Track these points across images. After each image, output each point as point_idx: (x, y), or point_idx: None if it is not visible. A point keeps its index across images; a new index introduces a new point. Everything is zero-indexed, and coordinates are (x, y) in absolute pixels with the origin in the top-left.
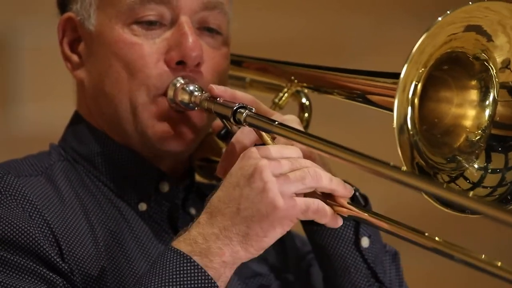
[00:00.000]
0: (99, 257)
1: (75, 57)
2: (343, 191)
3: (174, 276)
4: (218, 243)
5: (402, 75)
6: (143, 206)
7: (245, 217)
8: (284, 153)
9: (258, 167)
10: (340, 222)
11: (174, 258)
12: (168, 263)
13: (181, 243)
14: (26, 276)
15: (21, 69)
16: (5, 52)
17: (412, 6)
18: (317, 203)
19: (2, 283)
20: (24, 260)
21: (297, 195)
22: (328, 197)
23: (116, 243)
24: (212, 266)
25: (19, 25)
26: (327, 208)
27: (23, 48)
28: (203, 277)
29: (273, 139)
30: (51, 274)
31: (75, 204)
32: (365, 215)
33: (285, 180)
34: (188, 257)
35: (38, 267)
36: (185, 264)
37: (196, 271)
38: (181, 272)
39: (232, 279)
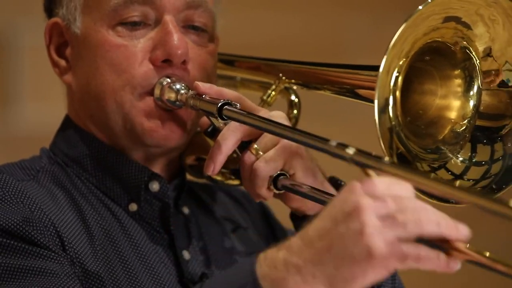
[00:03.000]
0: (95, 256)
1: (62, 62)
2: (454, 234)
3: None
4: (297, 278)
5: (383, 62)
6: (133, 207)
7: (336, 256)
8: (392, 190)
9: (360, 206)
10: (455, 266)
11: (247, 272)
12: (239, 273)
13: (263, 263)
14: (29, 258)
15: (21, 69)
16: (5, 52)
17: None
18: (418, 250)
19: (7, 266)
20: (28, 246)
21: (399, 240)
22: (442, 241)
23: (110, 242)
24: None
25: (19, 25)
26: (434, 254)
27: (23, 48)
28: None
29: (259, 135)
30: (54, 254)
31: (69, 205)
32: (484, 260)
33: (386, 225)
34: (256, 281)
35: (40, 249)
36: (250, 285)
37: None
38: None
39: None
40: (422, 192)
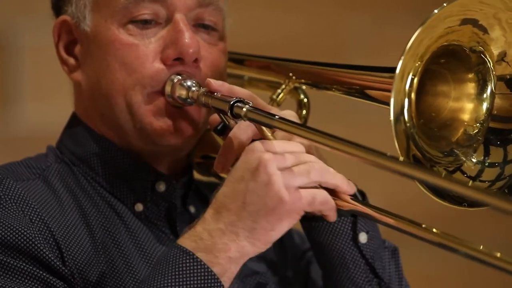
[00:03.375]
0: (98, 259)
1: (71, 60)
2: (346, 187)
3: (177, 274)
4: (223, 239)
5: (400, 65)
6: (139, 207)
7: (251, 211)
8: (288, 148)
9: (263, 160)
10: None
11: (178, 255)
12: (171, 260)
13: (186, 240)
14: (27, 280)
15: (21, 69)
16: (5, 52)
17: (411, 5)
18: (323, 194)
19: (3, 287)
20: (24, 264)
21: (302, 188)
22: (331, 193)
23: (114, 244)
24: (218, 262)
25: (19, 25)
26: (332, 200)
27: (23, 48)
28: (206, 274)
29: (273, 133)
30: (51, 278)
31: (73, 206)
32: (367, 210)
33: (290, 174)
34: (191, 254)
35: (38, 270)
36: (189, 261)
37: (199, 267)
38: (185, 269)
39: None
40: (442, 196)
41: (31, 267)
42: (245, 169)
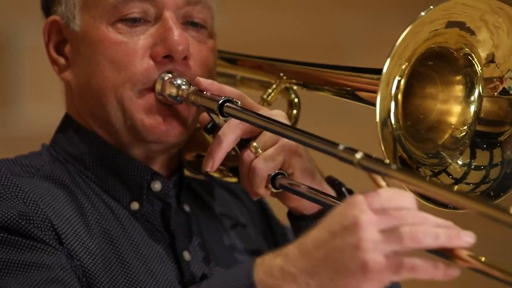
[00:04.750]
0: (93, 254)
1: (61, 60)
2: (455, 243)
3: None
4: (292, 286)
5: (384, 70)
6: (135, 205)
7: (331, 268)
8: (394, 202)
9: (358, 221)
10: (454, 273)
11: (244, 277)
12: (236, 278)
13: (260, 268)
14: (27, 251)
15: (21, 69)
16: (5, 52)
17: (407, 5)
18: (411, 261)
19: (1, 260)
20: (21, 239)
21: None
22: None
23: (109, 241)
24: None
25: (19, 25)
26: (431, 264)
27: (23, 48)
28: None
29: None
30: (51, 248)
31: (69, 203)
32: (485, 268)
33: (382, 240)
34: (252, 285)
35: (37, 243)
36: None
37: None
38: None
39: None
40: (427, 199)
41: (28, 241)
42: (338, 222)
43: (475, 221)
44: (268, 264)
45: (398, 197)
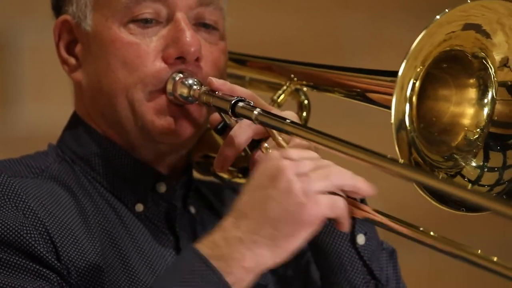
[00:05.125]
0: (95, 258)
1: (72, 60)
2: (366, 189)
3: (188, 278)
4: (241, 248)
5: (400, 73)
6: (140, 207)
7: (272, 218)
8: (304, 155)
9: (281, 167)
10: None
11: (192, 259)
12: (185, 264)
13: (202, 246)
14: (20, 273)
15: (21, 69)
16: (5, 52)
17: (410, 5)
18: (341, 200)
19: None
20: (18, 258)
21: (323, 193)
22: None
23: (112, 244)
24: (232, 271)
25: (19, 25)
26: (348, 207)
27: (23, 48)
28: (219, 282)
29: (268, 137)
30: (45, 271)
31: (71, 205)
32: (383, 219)
33: (310, 179)
34: (206, 260)
35: (32, 264)
36: (202, 267)
37: (212, 275)
38: (197, 274)
39: None
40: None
41: (24, 261)
42: (264, 177)
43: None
44: (208, 241)
45: (306, 152)
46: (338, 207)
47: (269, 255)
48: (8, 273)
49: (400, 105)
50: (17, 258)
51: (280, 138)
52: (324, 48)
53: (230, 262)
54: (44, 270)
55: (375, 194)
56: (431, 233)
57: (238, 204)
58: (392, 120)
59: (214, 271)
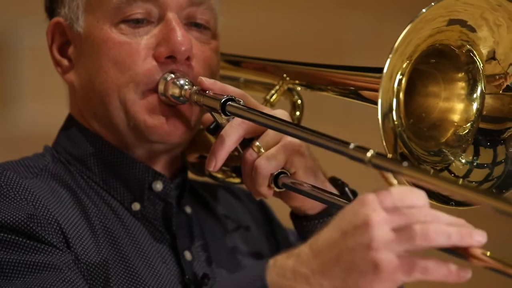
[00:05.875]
0: (97, 254)
1: (65, 61)
2: (467, 242)
3: None
4: (304, 287)
5: (387, 64)
6: (136, 206)
7: (343, 269)
8: (406, 201)
9: (370, 221)
10: (466, 275)
11: (257, 279)
12: (249, 279)
13: (273, 269)
14: (35, 253)
15: (21, 69)
16: (5, 52)
17: (410, 5)
18: (425, 264)
19: (10, 261)
20: (29, 241)
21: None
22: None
23: (112, 241)
24: None
25: (19, 25)
26: (443, 266)
27: (23, 48)
28: None
29: (262, 132)
30: (58, 251)
31: (73, 203)
32: (501, 267)
33: (394, 239)
34: (266, 286)
35: (45, 246)
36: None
37: None
38: None
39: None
40: (438, 197)
41: (36, 243)
42: (349, 222)
43: (485, 219)
44: (280, 265)
45: (410, 195)
46: (419, 270)
47: None
48: (18, 252)
49: (387, 96)
50: (28, 241)
51: (391, 179)
52: (324, 48)
53: None
54: (57, 251)
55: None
56: None
57: (320, 237)
58: (379, 110)
59: None
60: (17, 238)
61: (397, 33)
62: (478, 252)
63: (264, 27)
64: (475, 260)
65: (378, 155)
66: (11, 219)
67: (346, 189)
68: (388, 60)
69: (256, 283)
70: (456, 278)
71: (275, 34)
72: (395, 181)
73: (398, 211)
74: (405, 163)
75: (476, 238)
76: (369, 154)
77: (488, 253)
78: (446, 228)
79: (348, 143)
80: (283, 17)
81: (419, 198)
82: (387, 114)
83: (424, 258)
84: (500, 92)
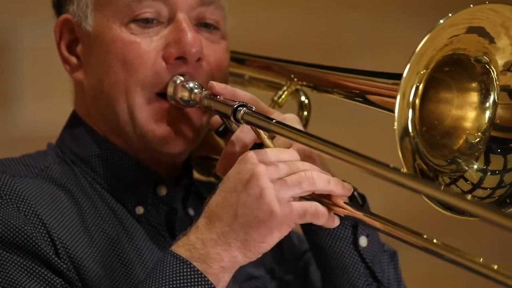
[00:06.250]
0: (94, 260)
1: (73, 59)
2: (341, 191)
3: (174, 281)
4: (216, 249)
5: (402, 81)
6: (140, 210)
7: (243, 223)
8: (282, 157)
9: (255, 172)
10: (336, 222)
11: (174, 263)
12: (167, 268)
13: (180, 248)
14: (24, 274)
15: (21, 69)
16: (5, 52)
17: (411, 5)
18: (314, 206)
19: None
20: (20, 258)
21: (295, 199)
22: (325, 197)
23: (111, 246)
24: (212, 272)
25: (19, 25)
26: (324, 210)
27: (23, 48)
28: (203, 282)
29: (272, 138)
30: (48, 273)
31: (71, 207)
32: (360, 215)
33: (282, 185)
34: (188, 262)
35: (35, 265)
36: (185, 270)
37: (196, 276)
38: (181, 277)
39: (228, 283)
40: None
41: (27, 261)
42: (237, 180)
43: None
44: (185, 243)
45: (284, 152)
46: (308, 214)
47: (241, 256)
48: (9, 271)
49: (403, 112)
50: (18, 258)
51: (266, 139)
52: (324, 48)
53: (209, 263)
54: (46, 272)
55: (373, 195)
56: (433, 240)
57: (212, 204)
58: (396, 129)
59: (198, 273)
60: (6, 253)
61: (399, 34)
62: (341, 201)
63: (263, 27)
64: (338, 208)
65: (250, 111)
66: (1, 232)
67: (355, 193)
68: (404, 76)
69: (178, 265)
70: (331, 223)
71: (274, 34)
72: (267, 140)
73: (279, 163)
74: (273, 121)
75: (346, 187)
76: (242, 111)
77: (348, 202)
78: (325, 175)
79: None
80: (282, 17)
81: (292, 154)
82: (403, 130)
83: (312, 202)
84: None
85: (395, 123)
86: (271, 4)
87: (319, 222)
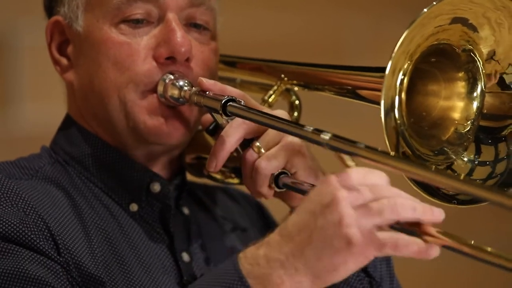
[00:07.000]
0: (92, 256)
1: (64, 60)
2: (430, 218)
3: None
4: (280, 272)
5: (391, 60)
6: (134, 207)
7: (316, 248)
8: (367, 179)
9: (336, 197)
10: (433, 253)
11: (231, 274)
12: (223, 275)
13: (244, 260)
14: (27, 261)
15: (21, 69)
16: (5, 52)
17: (410, 5)
18: (395, 238)
19: (2, 270)
20: (21, 249)
21: (377, 228)
22: (415, 226)
23: (108, 243)
24: None
25: (19, 25)
26: (407, 241)
27: (23, 48)
28: None
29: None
30: (49, 262)
31: (67, 206)
32: (449, 242)
33: (363, 214)
34: (243, 278)
35: (37, 255)
36: (237, 283)
37: None
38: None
39: None
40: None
41: (27, 251)
42: (317, 202)
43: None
44: (251, 256)
45: (370, 174)
46: (390, 246)
47: (308, 284)
48: (12, 260)
49: (390, 93)
50: (20, 249)
51: (348, 160)
52: (324, 48)
53: (267, 284)
54: (49, 261)
55: None
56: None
57: (289, 221)
58: (382, 110)
59: None
60: (9, 245)
61: (397, 33)
62: (433, 230)
63: (262, 27)
64: (431, 237)
65: (335, 136)
66: (2, 226)
67: None
68: (392, 56)
69: (233, 276)
70: (425, 255)
71: (274, 34)
72: (352, 163)
73: (362, 188)
74: (361, 144)
75: (436, 213)
76: (325, 136)
77: (441, 231)
78: (411, 202)
79: (303, 126)
80: (281, 17)
81: (379, 176)
82: (389, 112)
83: (394, 232)
84: (499, 90)
85: (381, 107)
86: (269, 4)
87: (404, 254)
